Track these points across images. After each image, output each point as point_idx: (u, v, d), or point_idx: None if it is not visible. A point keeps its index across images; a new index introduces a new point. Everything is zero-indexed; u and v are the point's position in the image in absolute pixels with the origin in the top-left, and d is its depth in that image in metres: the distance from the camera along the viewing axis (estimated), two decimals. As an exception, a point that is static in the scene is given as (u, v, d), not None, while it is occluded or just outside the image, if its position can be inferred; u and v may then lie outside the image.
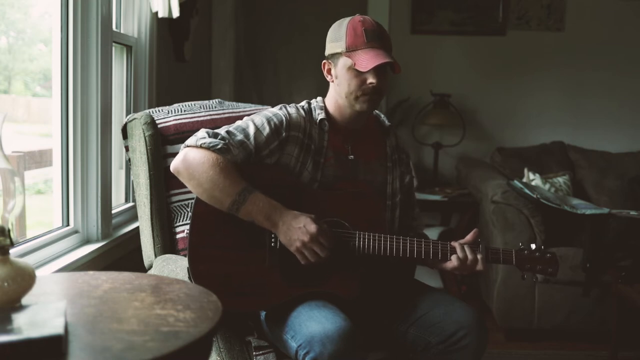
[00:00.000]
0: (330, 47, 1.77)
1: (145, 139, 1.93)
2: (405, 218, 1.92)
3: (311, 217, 1.62)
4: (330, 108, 1.82)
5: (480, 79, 4.26)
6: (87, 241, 2.13)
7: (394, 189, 1.87)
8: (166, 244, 1.95)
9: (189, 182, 1.66)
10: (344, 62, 1.72)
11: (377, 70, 1.69)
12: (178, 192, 1.96)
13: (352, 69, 1.70)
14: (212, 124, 1.97)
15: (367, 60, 1.68)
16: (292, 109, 1.79)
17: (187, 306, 1.17)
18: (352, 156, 1.81)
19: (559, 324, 3.10)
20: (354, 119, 1.80)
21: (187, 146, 1.67)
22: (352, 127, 1.82)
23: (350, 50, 1.71)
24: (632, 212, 3.14)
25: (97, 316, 1.11)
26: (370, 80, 1.70)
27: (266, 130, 1.71)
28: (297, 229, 1.60)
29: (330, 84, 1.81)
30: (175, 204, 1.97)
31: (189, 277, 1.62)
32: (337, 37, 1.75)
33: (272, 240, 1.67)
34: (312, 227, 1.59)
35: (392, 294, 1.82)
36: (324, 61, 1.80)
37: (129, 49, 2.53)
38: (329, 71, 1.79)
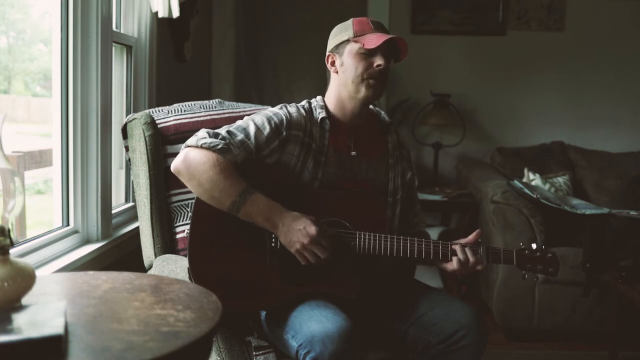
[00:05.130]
0: (335, 40, 1.80)
1: (145, 139, 1.93)
2: (406, 215, 1.92)
3: (311, 219, 1.61)
4: (332, 105, 1.82)
5: (480, 79, 4.26)
6: (87, 241, 2.13)
7: (396, 186, 1.87)
8: (166, 244, 1.95)
9: (189, 182, 1.66)
10: (350, 48, 1.75)
11: (383, 54, 1.72)
12: (178, 192, 1.96)
13: (359, 53, 1.73)
14: (212, 124, 1.97)
15: (376, 38, 1.72)
16: (292, 108, 1.79)
17: (187, 306, 1.17)
18: (354, 152, 1.81)
19: (559, 324, 3.10)
20: (356, 111, 1.80)
21: (188, 146, 1.67)
22: (354, 122, 1.82)
23: (358, 35, 1.75)
24: (632, 212, 3.14)
25: (97, 316, 1.11)
26: (378, 62, 1.72)
27: (267, 129, 1.71)
28: (297, 231, 1.60)
29: (333, 77, 1.82)
30: (175, 204, 1.97)
31: (189, 277, 1.62)
32: (342, 30, 1.79)
33: (273, 240, 1.67)
34: (312, 229, 1.59)
35: (392, 294, 1.82)
36: (328, 54, 1.81)
37: (129, 49, 2.53)
38: (332, 63, 1.80)
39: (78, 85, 2.04)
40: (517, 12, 4.16)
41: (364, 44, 1.72)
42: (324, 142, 1.77)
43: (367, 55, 1.73)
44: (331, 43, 1.82)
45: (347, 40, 1.76)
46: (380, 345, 1.79)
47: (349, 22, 1.79)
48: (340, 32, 1.79)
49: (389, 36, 1.71)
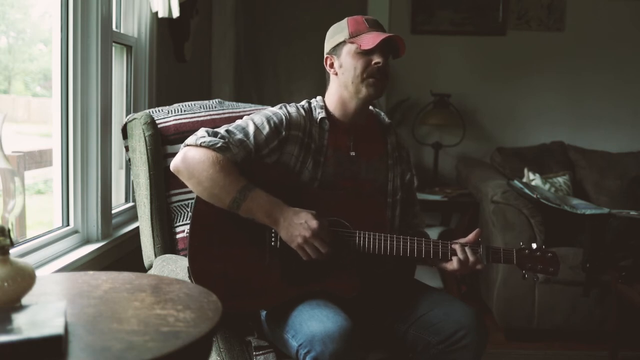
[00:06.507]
0: (331, 42, 1.79)
1: (145, 139, 1.93)
2: (405, 216, 1.92)
3: (312, 213, 1.62)
4: (332, 105, 1.82)
5: (480, 79, 4.26)
6: (87, 241, 2.13)
7: (395, 187, 1.87)
8: (166, 244, 1.95)
9: (188, 180, 1.66)
10: (348, 49, 1.75)
11: (382, 51, 1.72)
12: (178, 192, 1.96)
13: (357, 53, 1.73)
14: (212, 124, 1.97)
15: (372, 38, 1.71)
16: (292, 108, 1.79)
17: (187, 306, 1.17)
18: (353, 152, 1.81)
19: (559, 324, 3.10)
20: (358, 111, 1.80)
21: (187, 145, 1.68)
22: (354, 122, 1.82)
23: (353, 36, 1.74)
24: (632, 212, 3.14)
25: (97, 316, 1.11)
26: (376, 60, 1.72)
27: (266, 129, 1.71)
28: (299, 225, 1.60)
29: (332, 78, 1.81)
30: (175, 204, 1.97)
31: (189, 277, 1.62)
32: (338, 30, 1.79)
33: (272, 239, 1.67)
34: (313, 223, 1.59)
35: (392, 294, 1.82)
36: (326, 56, 1.81)
37: (129, 49, 2.53)
38: (331, 65, 1.80)
39: (78, 85, 2.04)
40: (517, 12, 4.16)
41: (360, 45, 1.72)
42: (323, 142, 1.77)
43: (364, 54, 1.73)
44: (327, 45, 1.81)
45: (344, 42, 1.75)
46: (380, 345, 1.79)
47: (344, 22, 1.78)
48: (336, 34, 1.78)
49: (385, 35, 1.71)
